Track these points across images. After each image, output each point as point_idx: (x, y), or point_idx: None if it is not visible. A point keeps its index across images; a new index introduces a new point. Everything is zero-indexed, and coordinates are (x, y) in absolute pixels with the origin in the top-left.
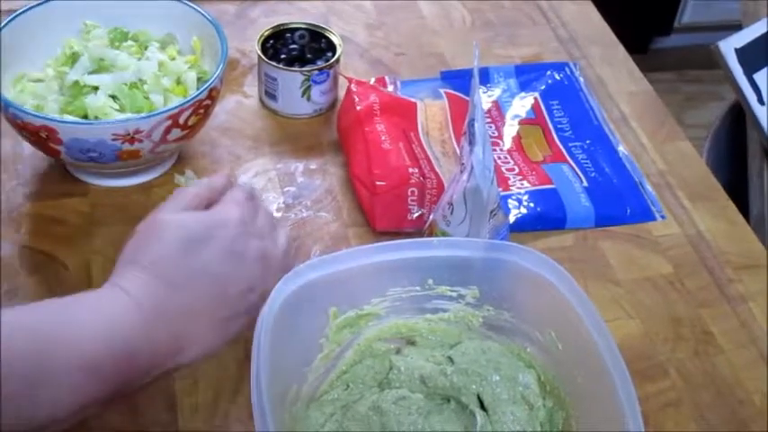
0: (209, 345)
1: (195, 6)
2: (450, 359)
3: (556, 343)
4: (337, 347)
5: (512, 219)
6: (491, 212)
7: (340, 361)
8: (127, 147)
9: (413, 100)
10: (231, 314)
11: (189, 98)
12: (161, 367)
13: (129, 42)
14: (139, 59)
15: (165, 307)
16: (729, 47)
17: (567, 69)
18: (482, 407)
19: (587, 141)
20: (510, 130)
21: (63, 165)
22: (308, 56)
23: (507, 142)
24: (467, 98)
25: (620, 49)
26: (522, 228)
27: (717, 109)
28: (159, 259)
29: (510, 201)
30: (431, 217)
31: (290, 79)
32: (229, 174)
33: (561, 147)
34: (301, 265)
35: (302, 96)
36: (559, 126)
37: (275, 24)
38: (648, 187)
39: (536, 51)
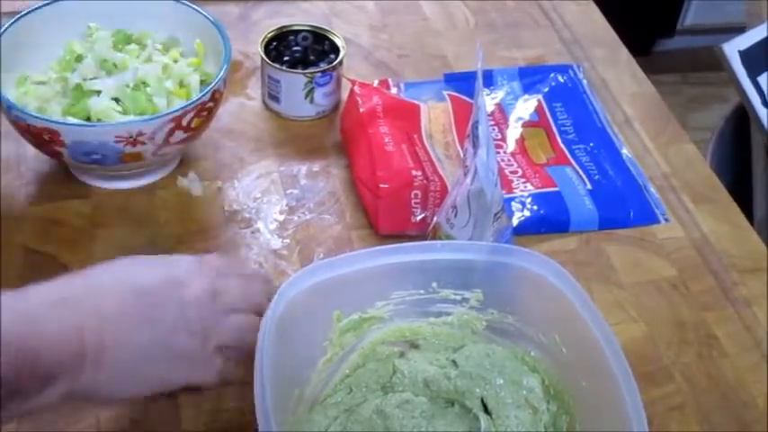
0: (128, 358)
1: (198, 8)
2: (454, 363)
3: (560, 346)
4: (341, 351)
5: (515, 221)
6: (495, 215)
7: (343, 364)
8: (130, 149)
9: (416, 102)
10: (161, 345)
11: (192, 100)
12: (69, 370)
13: (133, 45)
14: (143, 62)
15: (77, 300)
16: (733, 49)
17: (570, 72)
18: (486, 411)
19: (591, 144)
20: (513, 132)
21: (66, 166)
22: (311, 58)
23: (511, 145)
24: (470, 100)
25: (624, 51)
26: (526, 231)
27: (720, 111)
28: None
29: (513, 203)
30: (434, 220)
31: (294, 81)
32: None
33: (565, 149)
34: (305, 268)
35: (305, 98)
36: (563, 128)
37: (278, 26)
38: (652, 190)
39: (539, 53)
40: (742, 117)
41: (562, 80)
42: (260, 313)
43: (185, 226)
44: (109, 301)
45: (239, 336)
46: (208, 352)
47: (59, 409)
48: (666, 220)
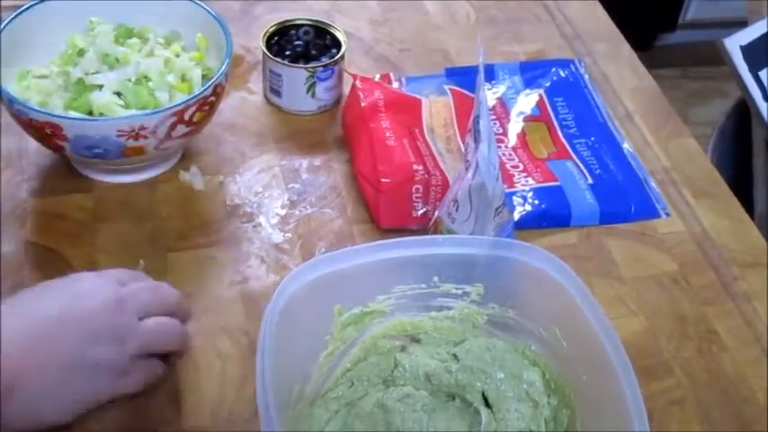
0: (43, 391)
1: (200, 3)
2: (455, 357)
3: (560, 341)
4: (342, 345)
5: (516, 216)
6: (496, 210)
7: (345, 358)
8: (132, 143)
9: (417, 96)
10: (71, 363)
11: (194, 95)
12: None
13: (134, 39)
14: (145, 56)
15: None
16: (735, 44)
17: (571, 66)
18: (487, 404)
19: (592, 138)
20: (515, 127)
21: (67, 161)
22: (313, 52)
23: (512, 139)
24: (471, 95)
25: (625, 45)
26: (527, 225)
27: (721, 105)
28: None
29: (515, 198)
30: (436, 214)
31: (295, 76)
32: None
33: (566, 144)
34: (306, 263)
35: (307, 93)
36: (564, 123)
37: (280, 21)
38: (653, 184)
39: (540, 48)
40: (743, 112)
41: (563, 75)
42: (173, 315)
43: (187, 220)
44: (15, 335)
45: (156, 338)
46: (125, 358)
47: None
48: (667, 214)
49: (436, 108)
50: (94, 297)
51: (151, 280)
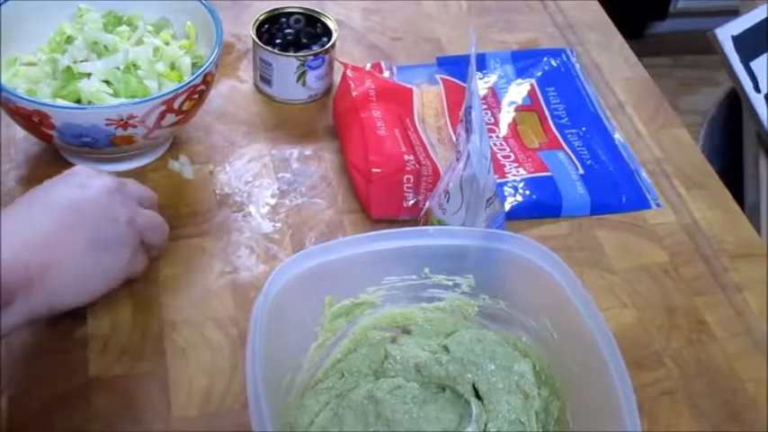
0: (76, 272)
1: None
2: (446, 348)
3: (551, 332)
4: (333, 336)
5: (507, 206)
6: (487, 201)
7: (335, 349)
8: (121, 132)
9: (409, 86)
10: (97, 242)
11: (183, 83)
12: (22, 293)
13: (123, 27)
14: (134, 44)
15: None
16: (726, 34)
17: (563, 56)
18: (477, 396)
19: (583, 128)
20: (506, 116)
21: (56, 149)
22: (304, 41)
23: (503, 129)
24: (463, 84)
25: (617, 35)
26: (518, 215)
27: (711, 94)
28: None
29: (506, 188)
30: (427, 205)
31: (286, 64)
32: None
33: (557, 133)
34: (297, 254)
35: (297, 82)
36: (555, 113)
37: (270, 9)
38: (644, 175)
39: (532, 37)
40: (733, 102)
41: (555, 64)
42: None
43: (176, 209)
44: (42, 226)
45: (152, 224)
46: (136, 237)
47: (23, 328)
48: (658, 205)
49: (428, 98)
50: (97, 181)
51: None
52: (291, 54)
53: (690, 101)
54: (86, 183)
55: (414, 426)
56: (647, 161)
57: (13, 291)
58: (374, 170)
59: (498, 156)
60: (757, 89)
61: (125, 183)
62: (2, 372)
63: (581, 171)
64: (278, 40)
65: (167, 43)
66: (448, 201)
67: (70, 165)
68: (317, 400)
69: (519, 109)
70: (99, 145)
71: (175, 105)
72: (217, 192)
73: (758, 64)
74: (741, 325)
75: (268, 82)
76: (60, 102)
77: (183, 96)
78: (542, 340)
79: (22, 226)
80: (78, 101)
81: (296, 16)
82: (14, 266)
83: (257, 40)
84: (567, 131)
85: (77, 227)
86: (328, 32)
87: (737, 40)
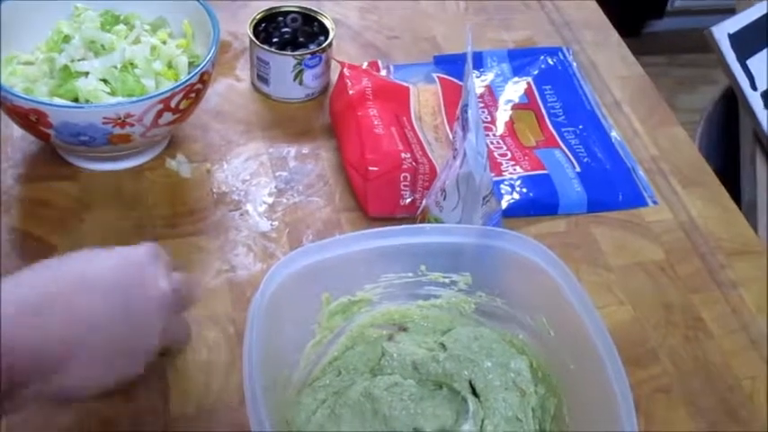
0: (95, 358)
1: None
2: (443, 345)
3: (548, 329)
4: (330, 333)
5: (504, 204)
6: (484, 199)
7: (332, 347)
8: (118, 131)
9: (405, 84)
10: (121, 348)
11: (180, 82)
12: (40, 377)
13: (121, 26)
14: (131, 43)
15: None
16: (723, 32)
17: (560, 54)
18: (474, 393)
19: (580, 126)
20: (503, 115)
21: (53, 148)
22: (301, 39)
23: (500, 127)
24: (460, 83)
25: (614, 33)
26: (515, 213)
27: (709, 93)
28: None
29: (503, 186)
30: (423, 203)
31: (283, 63)
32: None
33: (554, 132)
34: (294, 251)
35: (294, 80)
36: (552, 111)
37: (267, 7)
38: (641, 173)
39: (529, 35)
40: (730, 100)
41: (552, 63)
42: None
43: (174, 208)
44: (77, 303)
45: (179, 335)
46: (157, 347)
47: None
48: (655, 202)
49: (424, 96)
50: (157, 283)
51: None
52: (288, 53)
53: (687, 99)
54: (146, 278)
55: (411, 423)
56: (643, 159)
57: (31, 374)
58: (371, 168)
59: (495, 154)
60: (754, 87)
61: (178, 286)
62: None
63: (578, 169)
64: (275, 39)
65: (164, 42)
66: (444, 198)
67: (67, 163)
68: (314, 397)
69: (516, 107)
70: (96, 143)
71: (172, 104)
72: (214, 190)
73: (754, 61)
74: (737, 322)
75: (265, 81)
76: (57, 100)
77: (181, 95)
78: (539, 337)
79: (59, 304)
80: (75, 99)
81: (293, 15)
82: (37, 350)
83: (254, 39)
84: (563, 129)
85: (118, 321)
86: (325, 31)
87: (734, 38)
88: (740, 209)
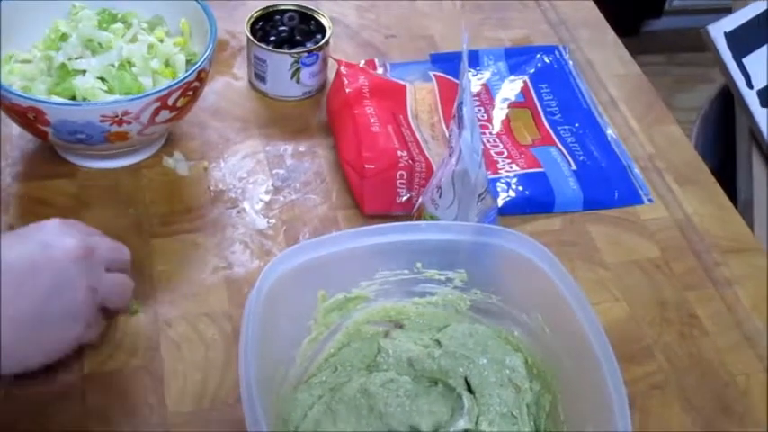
0: (13, 333)
1: None
2: (438, 342)
3: (543, 326)
4: (326, 330)
5: (500, 202)
6: (479, 196)
7: (328, 344)
8: (115, 128)
9: (402, 83)
10: (41, 317)
11: (178, 80)
12: None
13: (118, 24)
14: (128, 42)
15: None
16: (719, 31)
17: (556, 53)
18: (469, 389)
19: (576, 125)
20: (499, 113)
21: (51, 146)
22: (298, 38)
23: (496, 125)
24: (456, 81)
25: (610, 32)
26: (511, 211)
27: (706, 92)
28: None
29: (498, 184)
30: (419, 200)
31: (280, 61)
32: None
33: (550, 130)
34: (290, 248)
35: (291, 78)
36: (548, 109)
37: (264, 6)
38: (636, 171)
39: (526, 34)
40: (727, 99)
41: (548, 61)
42: (124, 272)
43: (171, 206)
44: None
45: (117, 292)
46: (95, 307)
47: None
48: (650, 200)
49: (421, 94)
50: (65, 245)
51: (105, 236)
52: (285, 51)
53: (685, 98)
54: (51, 242)
55: (406, 419)
56: (639, 157)
57: None
58: (367, 166)
59: (491, 152)
60: (750, 85)
61: (95, 248)
62: None
63: (573, 167)
64: (272, 38)
65: (162, 40)
66: (440, 196)
67: (65, 161)
68: (310, 393)
69: (512, 106)
70: (93, 141)
71: (170, 102)
72: (211, 188)
73: (750, 60)
74: (732, 319)
75: (262, 79)
76: (55, 98)
77: (178, 93)
78: (534, 334)
79: None
80: (73, 98)
81: (290, 13)
82: None
83: (251, 38)
84: (559, 128)
85: (28, 292)
86: (322, 30)
87: (730, 37)
88: (736, 207)
